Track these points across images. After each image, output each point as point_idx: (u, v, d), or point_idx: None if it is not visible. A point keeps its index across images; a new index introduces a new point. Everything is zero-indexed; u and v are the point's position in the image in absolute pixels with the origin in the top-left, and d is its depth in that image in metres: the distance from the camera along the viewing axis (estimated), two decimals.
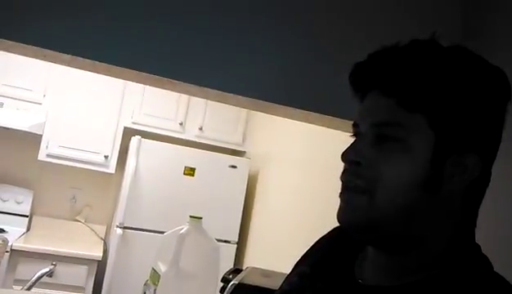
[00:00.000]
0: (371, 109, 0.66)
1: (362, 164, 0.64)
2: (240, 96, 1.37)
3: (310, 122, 1.55)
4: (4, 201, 3.51)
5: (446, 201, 0.63)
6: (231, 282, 1.47)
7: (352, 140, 0.68)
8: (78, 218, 3.78)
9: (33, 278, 1.81)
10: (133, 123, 3.62)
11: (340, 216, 0.66)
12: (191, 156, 3.43)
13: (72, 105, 3.48)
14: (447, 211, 0.64)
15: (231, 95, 1.36)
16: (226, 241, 3.36)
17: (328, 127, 1.56)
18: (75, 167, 3.54)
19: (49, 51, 1.23)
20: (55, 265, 1.97)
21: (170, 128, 3.69)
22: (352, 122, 0.70)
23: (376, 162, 0.63)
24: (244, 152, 3.88)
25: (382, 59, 0.65)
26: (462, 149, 0.63)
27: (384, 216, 0.62)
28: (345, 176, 0.66)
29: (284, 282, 0.84)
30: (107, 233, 3.81)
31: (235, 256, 3.46)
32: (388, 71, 0.64)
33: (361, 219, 0.64)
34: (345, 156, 0.66)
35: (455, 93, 0.62)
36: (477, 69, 0.65)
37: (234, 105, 1.50)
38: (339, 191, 0.67)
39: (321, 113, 1.42)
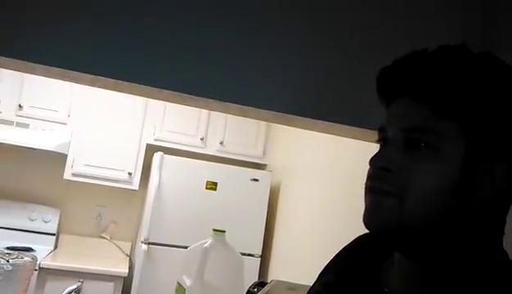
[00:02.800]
0: (401, 114, 0.66)
1: (392, 170, 0.63)
2: (261, 110, 1.38)
3: (330, 133, 1.55)
4: (32, 220, 3.58)
5: (476, 208, 0.62)
6: None
7: (378, 145, 0.68)
8: (103, 235, 3.83)
9: None
10: (155, 140, 3.67)
11: (367, 218, 0.65)
12: (213, 170, 3.45)
13: (96, 124, 3.55)
14: (476, 218, 0.63)
15: (252, 108, 1.37)
16: (249, 254, 3.35)
17: (348, 137, 1.55)
18: (100, 185, 3.60)
19: (72, 72, 1.26)
20: (82, 282, 1.99)
21: (191, 144, 3.72)
22: (374, 131, 0.70)
23: (406, 168, 0.62)
24: (266, 165, 3.88)
25: (412, 64, 0.65)
26: (493, 157, 0.62)
27: (412, 221, 0.62)
28: (372, 182, 0.65)
29: (308, 292, 0.84)
30: (132, 249, 3.85)
31: (260, 269, 3.45)
32: (419, 76, 0.64)
33: (389, 222, 0.63)
34: (374, 162, 0.65)
35: (487, 100, 0.62)
36: (508, 77, 0.64)
37: (255, 119, 1.51)
38: (365, 193, 0.66)
39: (341, 123, 1.41)
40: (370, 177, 0.66)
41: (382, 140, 0.68)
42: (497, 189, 0.62)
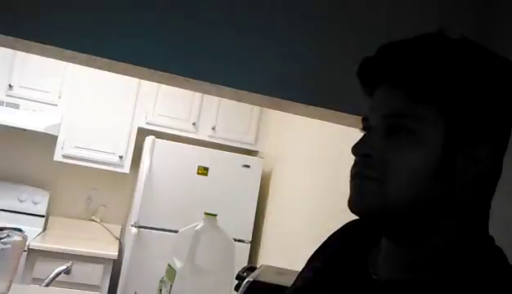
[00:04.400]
0: (382, 102, 0.67)
1: (373, 156, 0.64)
2: (255, 94, 1.38)
3: (323, 120, 1.56)
4: (21, 201, 3.56)
5: (459, 192, 0.63)
6: (246, 280, 1.47)
7: (362, 134, 0.69)
8: (93, 218, 3.82)
9: (51, 276, 1.83)
10: (147, 124, 3.65)
11: (351, 202, 0.66)
12: (205, 156, 3.45)
13: (87, 106, 3.52)
14: (460, 202, 0.64)
15: (246, 92, 1.37)
16: (240, 240, 3.37)
17: (341, 124, 1.56)
18: (90, 168, 3.58)
19: (67, 50, 1.25)
20: (71, 263, 2.00)
21: (183, 128, 3.71)
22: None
23: (387, 153, 0.63)
24: (257, 151, 3.89)
25: (390, 52, 0.66)
26: (474, 139, 0.63)
27: (395, 203, 0.62)
28: (356, 168, 0.66)
29: (297, 278, 0.85)
30: (122, 232, 3.85)
31: (249, 255, 3.48)
32: (397, 64, 0.65)
33: (372, 205, 0.64)
34: (356, 149, 0.66)
35: (464, 83, 0.62)
36: (485, 60, 0.65)
37: (249, 103, 1.51)
38: (349, 180, 0.67)
39: (334, 109, 1.42)
40: (354, 164, 0.67)
41: (365, 129, 0.69)
42: (480, 171, 0.63)
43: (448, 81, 0.62)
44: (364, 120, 0.69)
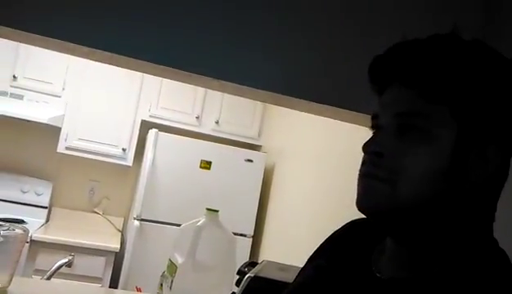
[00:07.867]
0: (394, 100, 0.66)
1: (384, 155, 0.64)
2: (257, 90, 1.37)
3: (325, 116, 1.55)
4: (24, 192, 3.57)
5: (467, 193, 0.63)
6: (247, 275, 1.47)
7: (371, 132, 0.68)
8: (96, 210, 3.83)
9: (53, 268, 1.83)
10: (150, 116, 3.65)
11: (360, 202, 0.65)
12: (208, 149, 3.45)
13: (90, 98, 3.52)
14: (467, 203, 0.63)
15: (249, 88, 1.36)
16: (241, 234, 3.37)
17: (343, 121, 1.55)
18: (93, 160, 3.59)
19: (69, 43, 1.24)
20: (73, 255, 2.00)
21: (187, 122, 3.71)
22: (369, 115, 0.70)
23: (398, 153, 0.63)
24: (260, 146, 3.88)
25: (404, 51, 0.65)
26: (484, 141, 0.63)
27: (404, 204, 0.62)
28: (365, 167, 0.66)
29: (298, 275, 0.85)
30: (124, 225, 3.86)
31: (251, 249, 3.48)
32: (411, 63, 0.64)
33: (382, 205, 0.63)
34: (367, 147, 0.66)
35: (478, 86, 0.62)
36: (497, 64, 0.65)
37: (251, 99, 1.50)
38: (358, 178, 0.66)
39: (337, 106, 1.41)
40: (363, 163, 0.66)
41: (375, 127, 0.68)
42: (489, 172, 0.63)
43: (462, 83, 0.62)
44: (374, 118, 0.69)
